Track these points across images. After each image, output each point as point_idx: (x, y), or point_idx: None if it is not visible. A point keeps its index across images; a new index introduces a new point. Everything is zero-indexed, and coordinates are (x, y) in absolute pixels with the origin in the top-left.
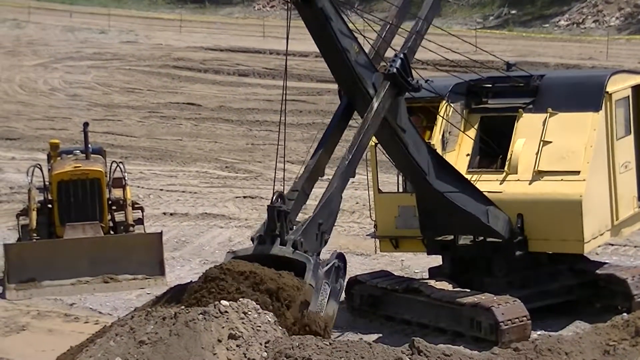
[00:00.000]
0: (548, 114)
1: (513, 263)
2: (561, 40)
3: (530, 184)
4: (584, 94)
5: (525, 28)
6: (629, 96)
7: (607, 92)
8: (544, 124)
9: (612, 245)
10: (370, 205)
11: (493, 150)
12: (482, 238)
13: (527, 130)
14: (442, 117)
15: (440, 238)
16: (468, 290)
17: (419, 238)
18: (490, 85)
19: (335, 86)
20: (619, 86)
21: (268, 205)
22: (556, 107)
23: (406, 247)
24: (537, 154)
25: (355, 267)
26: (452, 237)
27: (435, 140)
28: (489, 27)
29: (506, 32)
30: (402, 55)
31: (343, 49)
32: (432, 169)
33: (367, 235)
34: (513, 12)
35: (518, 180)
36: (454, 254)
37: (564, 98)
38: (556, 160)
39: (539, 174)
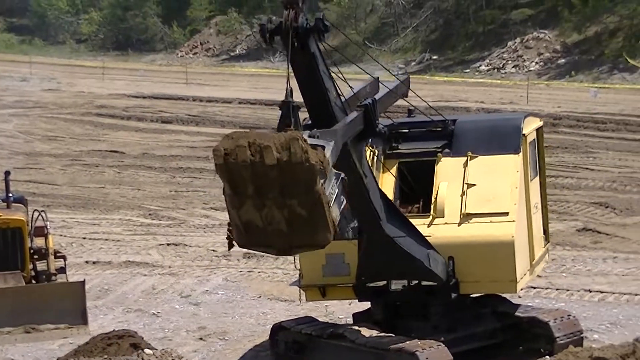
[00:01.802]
0: (468, 157)
1: (447, 307)
2: (482, 85)
3: (459, 226)
4: (502, 136)
5: (447, 73)
6: (535, 139)
7: (524, 134)
8: (464, 167)
9: (534, 288)
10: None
11: (413, 195)
12: (415, 282)
13: (448, 174)
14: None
15: (372, 284)
16: (393, 335)
17: (348, 285)
18: (406, 130)
19: None
20: (529, 128)
21: (282, 101)
22: (475, 151)
23: (335, 295)
24: (462, 196)
25: (280, 314)
26: (384, 282)
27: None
28: (411, 72)
29: (428, 77)
30: (370, 101)
31: (326, 88)
32: (384, 213)
33: (291, 284)
34: (435, 57)
35: (446, 223)
36: (387, 299)
37: (481, 141)
38: (483, 203)
39: (467, 217)
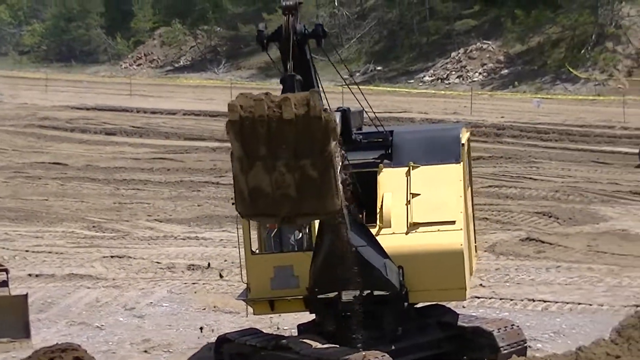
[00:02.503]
0: (410, 167)
1: (397, 317)
2: (426, 95)
3: (407, 236)
4: (442, 146)
5: (391, 84)
6: (467, 149)
7: (463, 144)
8: (407, 177)
9: (478, 297)
10: (240, 265)
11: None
12: (367, 292)
13: (391, 184)
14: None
15: (323, 296)
16: (337, 346)
17: (298, 297)
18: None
19: (202, 143)
20: (465, 139)
21: (287, 75)
22: (416, 161)
23: (284, 308)
24: (407, 206)
25: (224, 325)
26: (334, 294)
27: None
28: (355, 83)
29: (372, 87)
30: (346, 108)
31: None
32: (349, 222)
33: (237, 298)
34: (379, 68)
35: (393, 233)
36: (338, 310)
37: (421, 152)
38: (429, 212)
39: (414, 226)
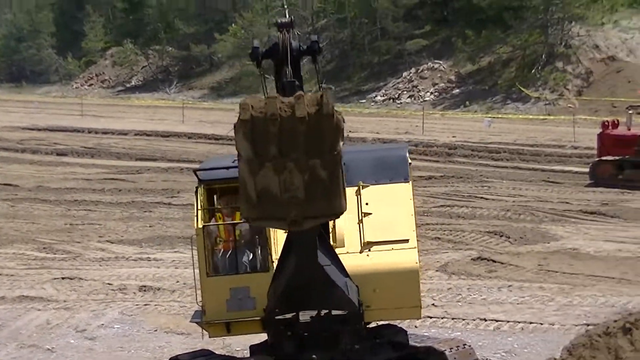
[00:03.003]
0: (360, 187)
1: (357, 335)
2: (378, 115)
3: (361, 255)
4: (390, 166)
5: (342, 103)
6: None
7: (410, 163)
8: (357, 197)
9: (430, 317)
10: (195, 286)
11: None
12: (325, 312)
13: None
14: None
15: (280, 317)
16: None
17: (255, 319)
18: None
19: (154, 164)
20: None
21: (287, 81)
22: (365, 180)
23: (240, 330)
24: (360, 225)
25: (176, 347)
26: (292, 314)
27: None
28: None
29: None
30: None
31: None
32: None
33: (190, 321)
34: (331, 87)
35: (348, 253)
36: (297, 331)
37: (370, 171)
38: (382, 231)
39: (367, 245)
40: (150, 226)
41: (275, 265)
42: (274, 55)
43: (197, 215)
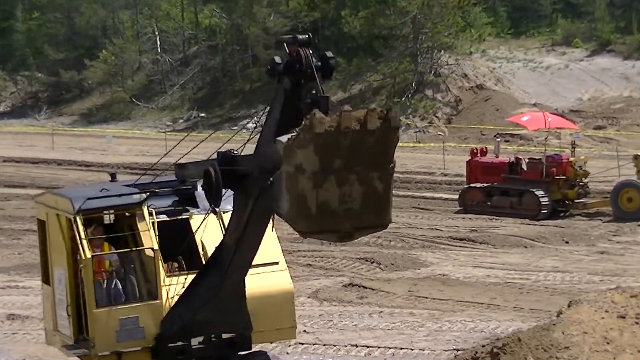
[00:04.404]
0: (220, 212)
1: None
2: (251, 141)
3: None
4: None
5: (214, 130)
6: None
7: None
8: (219, 222)
9: (302, 344)
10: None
11: (174, 253)
12: (214, 337)
13: (206, 230)
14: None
15: (173, 344)
16: None
17: (146, 348)
18: (157, 190)
19: (23, 191)
20: None
21: (319, 96)
22: (222, 207)
23: None
24: None
25: None
26: (182, 341)
27: (154, 246)
28: (178, 130)
29: (195, 134)
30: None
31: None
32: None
33: (71, 354)
34: (202, 115)
35: None
36: (189, 357)
37: (225, 198)
38: None
39: None
40: (19, 254)
41: (164, 293)
42: (293, 72)
43: (82, 245)
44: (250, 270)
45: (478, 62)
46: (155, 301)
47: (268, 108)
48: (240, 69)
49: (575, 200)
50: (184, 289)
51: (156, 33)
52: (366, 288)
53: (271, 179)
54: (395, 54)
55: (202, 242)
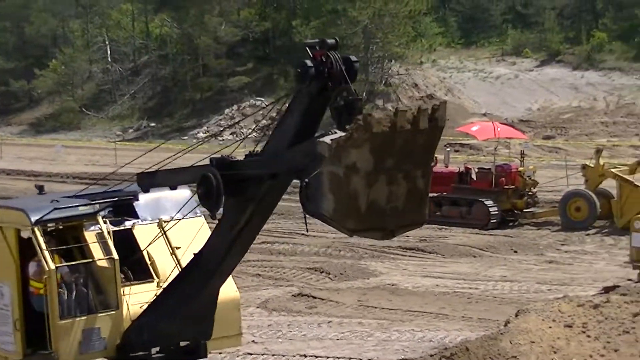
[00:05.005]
0: (161, 222)
1: None
2: (200, 151)
3: None
4: (179, 202)
5: (165, 140)
6: None
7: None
8: (162, 232)
9: (251, 354)
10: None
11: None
12: (174, 346)
13: (149, 240)
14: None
15: (134, 354)
16: None
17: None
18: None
19: None
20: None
21: (353, 99)
22: (160, 217)
23: None
24: (173, 258)
25: None
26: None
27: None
28: (128, 140)
29: (146, 144)
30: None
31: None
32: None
33: None
34: (152, 124)
35: None
36: None
37: (163, 208)
38: None
39: None
40: None
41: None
42: (323, 76)
43: (44, 257)
44: None
45: (428, 72)
46: (116, 311)
47: (273, 111)
48: (190, 79)
49: (524, 210)
50: (153, 298)
51: (107, 42)
52: (315, 298)
53: (306, 180)
54: None
55: (148, 253)
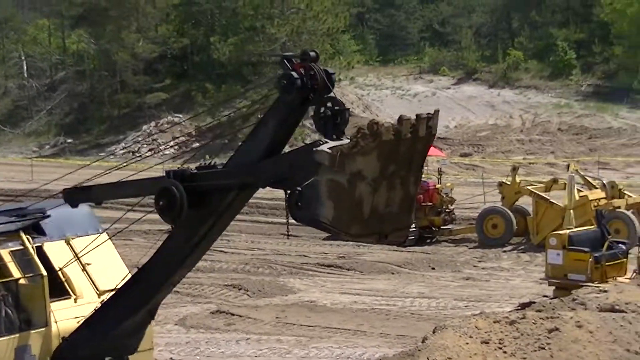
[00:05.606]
0: (69, 239)
1: None
2: (119, 168)
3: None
4: (81, 219)
5: (82, 156)
6: None
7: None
8: (71, 249)
9: None
10: None
11: None
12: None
13: (59, 257)
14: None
15: None
16: None
17: None
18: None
19: None
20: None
21: (342, 109)
22: (64, 234)
23: None
24: (86, 275)
25: None
26: None
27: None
28: (45, 156)
29: (62, 160)
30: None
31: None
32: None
33: None
34: (69, 140)
35: (89, 302)
36: None
37: (65, 225)
38: (109, 279)
39: (103, 294)
40: None
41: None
42: (306, 88)
43: None
44: (110, 295)
45: (347, 89)
46: (45, 328)
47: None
48: (108, 95)
49: (442, 227)
50: (92, 312)
51: (23, 58)
52: (233, 315)
53: (299, 188)
54: (264, 80)
55: (60, 269)
